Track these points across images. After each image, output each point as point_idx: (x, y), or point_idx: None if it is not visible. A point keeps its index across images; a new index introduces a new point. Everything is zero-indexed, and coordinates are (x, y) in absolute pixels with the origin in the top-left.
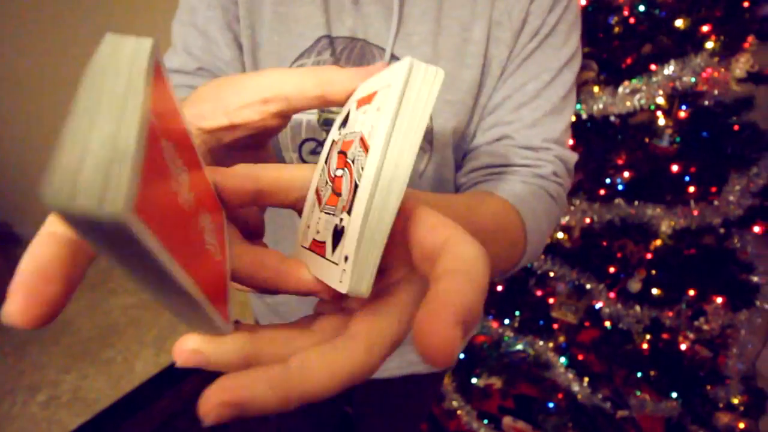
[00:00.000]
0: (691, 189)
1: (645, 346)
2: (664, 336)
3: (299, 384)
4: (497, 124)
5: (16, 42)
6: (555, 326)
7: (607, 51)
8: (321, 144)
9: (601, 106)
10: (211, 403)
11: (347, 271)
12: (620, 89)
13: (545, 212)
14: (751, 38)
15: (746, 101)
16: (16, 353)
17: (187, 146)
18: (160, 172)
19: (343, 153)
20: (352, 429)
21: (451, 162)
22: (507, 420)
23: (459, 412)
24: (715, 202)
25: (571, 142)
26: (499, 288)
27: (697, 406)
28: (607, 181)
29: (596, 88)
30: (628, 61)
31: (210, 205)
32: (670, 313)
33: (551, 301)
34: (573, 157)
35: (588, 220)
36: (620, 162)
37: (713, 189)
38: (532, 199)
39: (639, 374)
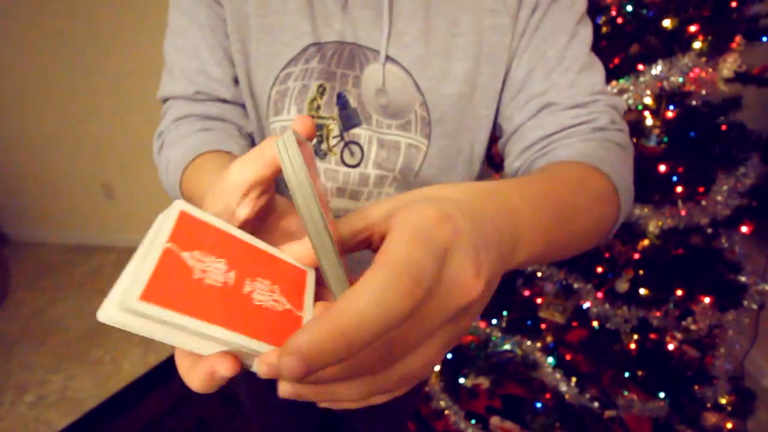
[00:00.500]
0: (679, 189)
1: (632, 346)
2: (652, 336)
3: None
4: (532, 97)
5: (5, 44)
6: (543, 326)
7: (595, 51)
8: None
9: None
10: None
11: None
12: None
13: (622, 162)
14: (738, 38)
15: (734, 101)
16: (4, 353)
17: (226, 243)
18: (175, 272)
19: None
20: (335, 429)
21: (456, 148)
22: (494, 420)
23: (446, 412)
24: (703, 202)
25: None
26: None
27: (685, 406)
28: None
29: None
30: (616, 61)
31: (267, 273)
32: (658, 313)
33: (539, 301)
34: (622, 102)
35: None
36: None
37: (701, 189)
38: (605, 153)
39: (626, 374)
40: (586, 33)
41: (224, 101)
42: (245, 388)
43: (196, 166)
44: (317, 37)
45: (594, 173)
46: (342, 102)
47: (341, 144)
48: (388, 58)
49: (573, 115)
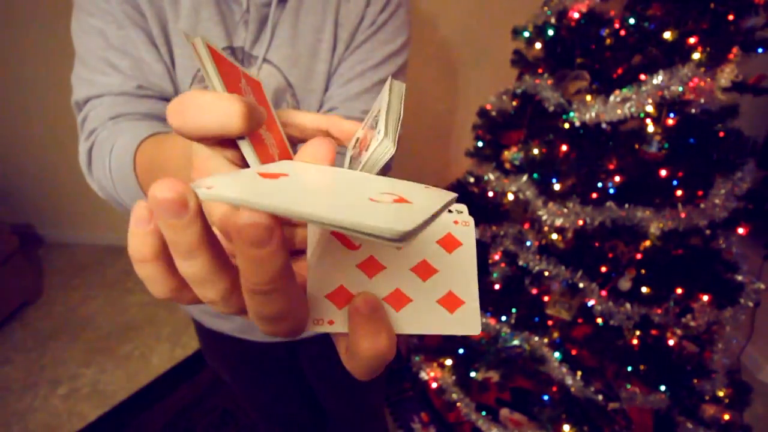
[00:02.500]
0: (679, 192)
1: (635, 341)
2: (653, 332)
3: None
4: (330, 97)
5: (36, 45)
6: (549, 323)
7: (599, 62)
8: None
9: (593, 114)
10: None
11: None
12: (611, 98)
13: None
14: (735, 49)
15: (731, 109)
16: (39, 349)
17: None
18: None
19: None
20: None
21: None
22: (504, 412)
23: (458, 404)
24: (702, 205)
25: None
26: (497, 287)
27: (685, 398)
28: (599, 185)
29: (589, 97)
30: (619, 71)
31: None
32: (659, 311)
33: (546, 299)
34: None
35: (581, 222)
36: (611, 167)
37: (700, 192)
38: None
39: (629, 368)
40: (391, 68)
41: (165, 99)
42: (237, 387)
43: (157, 140)
44: (230, 42)
45: None
46: None
47: None
48: (264, 60)
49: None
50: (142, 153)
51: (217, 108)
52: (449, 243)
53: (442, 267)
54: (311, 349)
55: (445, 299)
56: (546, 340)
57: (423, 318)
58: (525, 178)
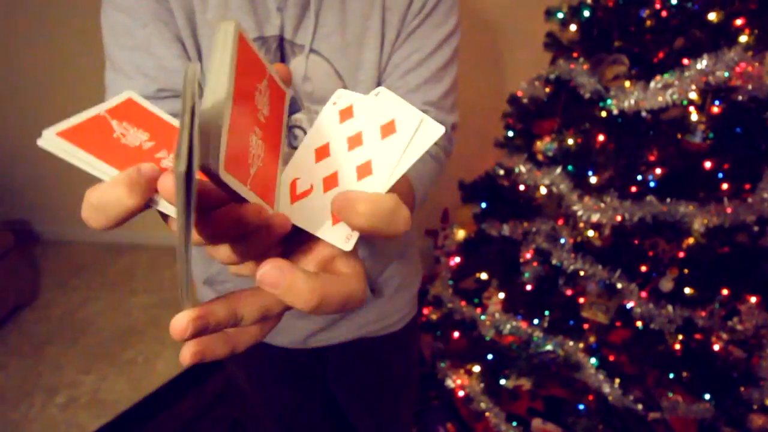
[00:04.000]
0: (725, 186)
1: (677, 346)
2: (697, 336)
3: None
4: (389, 88)
5: (33, 42)
6: (585, 326)
7: (639, 45)
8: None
9: (632, 101)
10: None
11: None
12: (652, 84)
13: (429, 175)
14: None
15: None
16: (35, 354)
17: (160, 126)
18: (97, 128)
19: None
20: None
21: None
22: (536, 422)
23: (487, 414)
24: (749, 200)
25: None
26: (528, 287)
27: (731, 407)
28: (639, 178)
29: (627, 83)
30: (660, 55)
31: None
32: (703, 313)
33: (581, 300)
34: (449, 119)
35: (619, 218)
36: (652, 158)
37: (747, 186)
38: (420, 165)
39: (671, 375)
40: (447, 51)
41: None
42: (251, 386)
43: None
44: (261, 32)
45: (404, 182)
46: None
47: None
48: (311, 50)
49: None
50: None
51: (108, 203)
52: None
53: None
54: (338, 356)
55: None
56: (581, 345)
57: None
58: (559, 170)
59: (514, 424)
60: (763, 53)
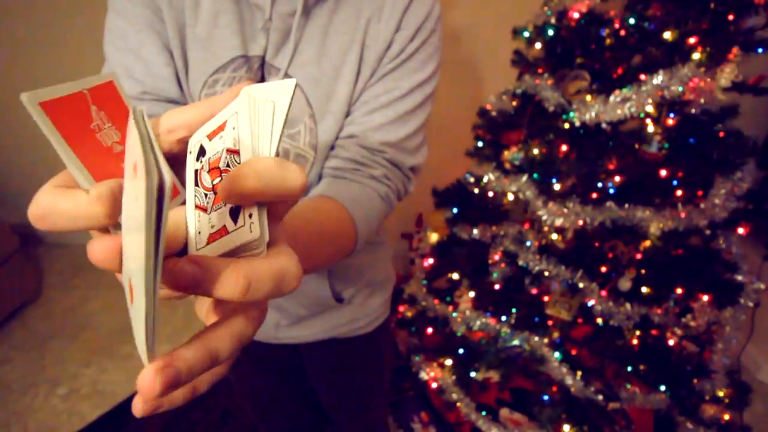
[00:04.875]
0: (679, 192)
1: (635, 341)
2: (653, 332)
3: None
4: (352, 122)
5: (34, 44)
6: (549, 323)
7: (599, 62)
8: None
9: (593, 114)
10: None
11: (254, 221)
12: (611, 98)
13: (376, 213)
14: (735, 49)
15: (731, 109)
16: (38, 348)
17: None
18: (78, 109)
19: (214, 169)
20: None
21: None
22: (504, 412)
23: (458, 404)
24: (702, 205)
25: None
26: (497, 287)
27: (685, 398)
28: (599, 185)
29: (589, 97)
30: (619, 71)
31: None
32: (659, 311)
33: (546, 298)
34: (409, 160)
35: (581, 222)
36: (611, 167)
37: (700, 192)
38: (366, 202)
39: (629, 368)
40: (419, 97)
41: (170, 101)
42: (240, 386)
43: None
44: (246, 50)
45: (347, 222)
46: None
47: None
48: (286, 74)
49: (362, 154)
50: None
51: (80, 216)
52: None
53: None
54: (312, 353)
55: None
56: (546, 340)
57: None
58: (525, 178)
59: (484, 413)
60: (714, 69)
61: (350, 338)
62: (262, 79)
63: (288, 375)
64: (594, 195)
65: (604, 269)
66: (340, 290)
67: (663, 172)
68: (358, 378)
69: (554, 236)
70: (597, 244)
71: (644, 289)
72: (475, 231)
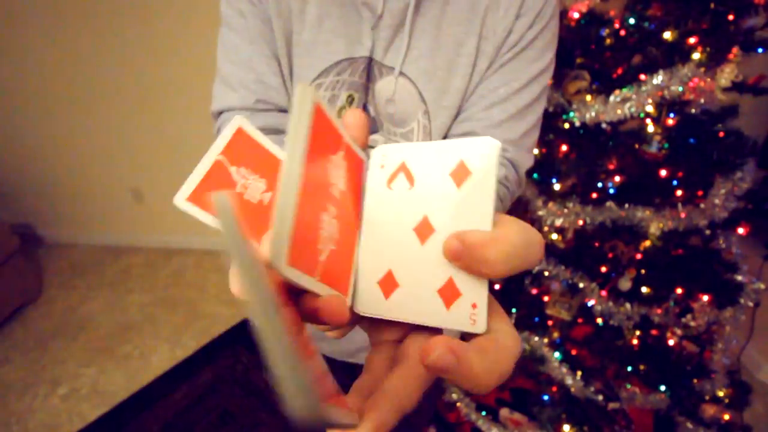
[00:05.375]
0: (679, 192)
1: (635, 341)
2: (653, 332)
3: None
4: (469, 118)
5: (37, 46)
6: (549, 323)
7: (599, 62)
8: None
9: (593, 113)
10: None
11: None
12: (611, 98)
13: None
14: (735, 49)
15: (731, 109)
16: (39, 348)
17: (272, 165)
18: (220, 182)
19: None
20: None
21: None
22: (504, 412)
23: (458, 404)
24: (702, 205)
25: (561, 147)
26: (497, 286)
27: (685, 398)
28: (599, 185)
29: (589, 97)
30: (619, 71)
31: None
32: (659, 311)
33: (546, 298)
34: (526, 161)
35: (581, 222)
36: (611, 167)
37: (700, 192)
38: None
39: (629, 368)
40: (536, 89)
41: (281, 110)
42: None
43: None
44: (351, 53)
45: None
46: (365, 111)
47: None
48: (400, 72)
49: None
50: None
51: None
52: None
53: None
54: None
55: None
56: (546, 340)
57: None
58: None
59: (483, 413)
60: (714, 69)
61: None
62: (368, 80)
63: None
64: (594, 195)
65: (604, 269)
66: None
67: (663, 172)
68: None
69: (554, 236)
70: (597, 244)
71: (644, 289)
72: None
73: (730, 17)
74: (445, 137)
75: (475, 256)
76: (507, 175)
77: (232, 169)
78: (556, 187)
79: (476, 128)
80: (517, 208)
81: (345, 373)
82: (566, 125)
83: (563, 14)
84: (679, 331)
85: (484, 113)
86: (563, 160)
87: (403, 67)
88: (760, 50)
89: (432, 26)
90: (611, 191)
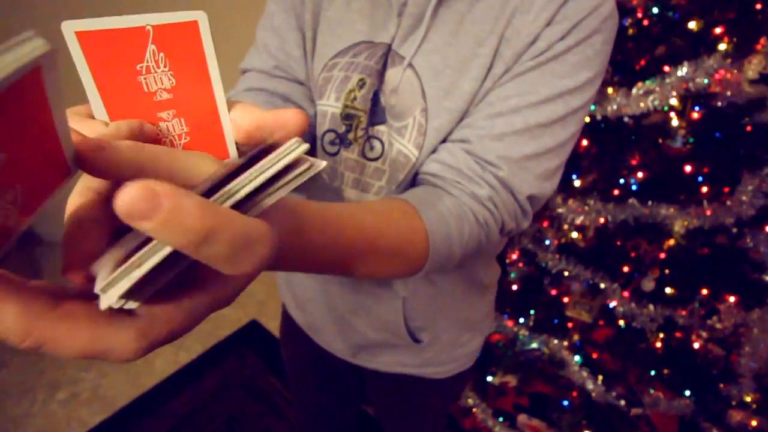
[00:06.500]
0: (704, 189)
1: (658, 344)
2: (678, 335)
3: None
4: (469, 125)
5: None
6: (569, 325)
7: (621, 52)
8: (339, 136)
9: (615, 107)
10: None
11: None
12: (634, 90)
13: (460, 235)
14: (763, 40)
15: (759, 102)
16: (36, 352)
17: (198, 71)
18: (126, 50)
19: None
20: (373, 430)
21: None
22: (522, 418)
23: (474, 410)
24: (728, 202)
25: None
26: (514, 287)
27: (710, 403)
28: (621, 181)
29: (610, 89)
30: (642, 62)
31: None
32: (684, 312)
33: (566, 300)
34: (532, 188)
35: (602, 220)
36: (634, 162)
37: (726, 189)
38: (453, 219)
39: (653, 372)
40: (561, 109)
41: (296, 81)
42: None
43: None
44: (372, 37)
45: (421, 245)
46: (375, 99)
47: (365, 137)
48: (409, 65)
49: (469, 166)
50: None
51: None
52: None
53: None
54: (378, 381)
55: None
56: (566, 343)
57: None
58: None
59: (501, 419)
60: (741, 61)
61: (421, 378)
62: (384, 67)
63: (347, 395)
64: (616, 191)
65: (626, 269)
66: (415, 327)
67: (688, 168)
68: (420, 417)
69: (574, 234)
70: (619, 243)
71: (668, 290)
72: None
73: (758, 6)
74: (444, 138)
75: None
76: (493, 197)
77: (150, 47)
78: (577, 183)
79: (471, 136)
80: None
81: (348, 373)
82: (587, 119)
83: None
84: (704, 334)
85: (486, 122)
86: (584, 155)
87: (413, 59)
88: None
89: (454, 20)
90: (634, 188)
